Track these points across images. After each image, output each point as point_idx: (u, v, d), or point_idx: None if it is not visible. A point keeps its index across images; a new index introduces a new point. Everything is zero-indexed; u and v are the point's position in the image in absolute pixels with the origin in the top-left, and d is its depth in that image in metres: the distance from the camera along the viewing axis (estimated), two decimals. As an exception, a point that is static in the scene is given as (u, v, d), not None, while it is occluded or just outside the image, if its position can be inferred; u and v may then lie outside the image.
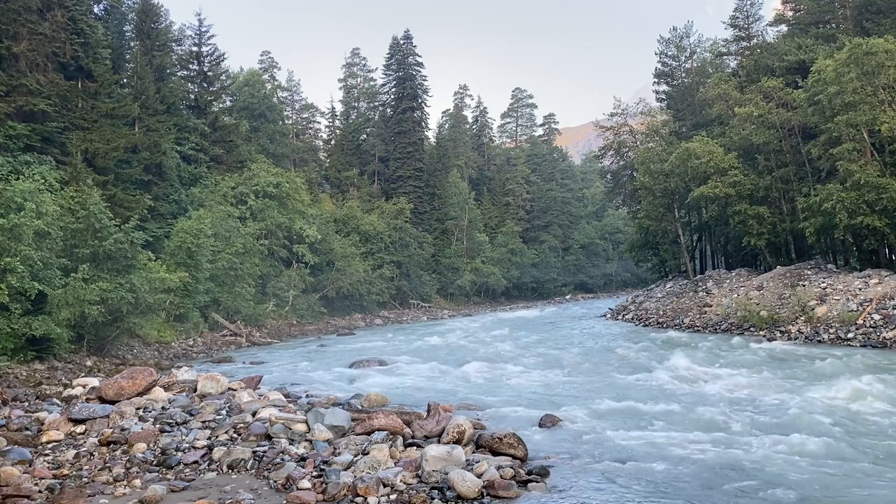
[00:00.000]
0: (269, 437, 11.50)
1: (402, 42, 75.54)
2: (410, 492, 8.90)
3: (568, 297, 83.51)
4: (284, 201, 46.96)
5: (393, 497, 8.82)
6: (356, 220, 59.27)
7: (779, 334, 27.21)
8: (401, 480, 9.21)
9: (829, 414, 13.34)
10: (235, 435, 11.68)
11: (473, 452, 10.66)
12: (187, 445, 11.08)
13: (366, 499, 8.74)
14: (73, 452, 10.82)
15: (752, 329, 29.23)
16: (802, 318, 27.49)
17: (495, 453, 10.61)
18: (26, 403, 15.15)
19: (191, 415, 13.01)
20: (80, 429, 12.15)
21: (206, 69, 50.85)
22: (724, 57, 52.84)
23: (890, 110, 28.51)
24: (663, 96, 58.65)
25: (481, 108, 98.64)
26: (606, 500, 8.99)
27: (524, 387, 17.88)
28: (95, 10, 42.48)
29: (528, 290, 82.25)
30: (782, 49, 40.35)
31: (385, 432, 11.34)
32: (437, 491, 8.94)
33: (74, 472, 9.97)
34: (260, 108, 62.39)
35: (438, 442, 11.06)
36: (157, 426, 11.98)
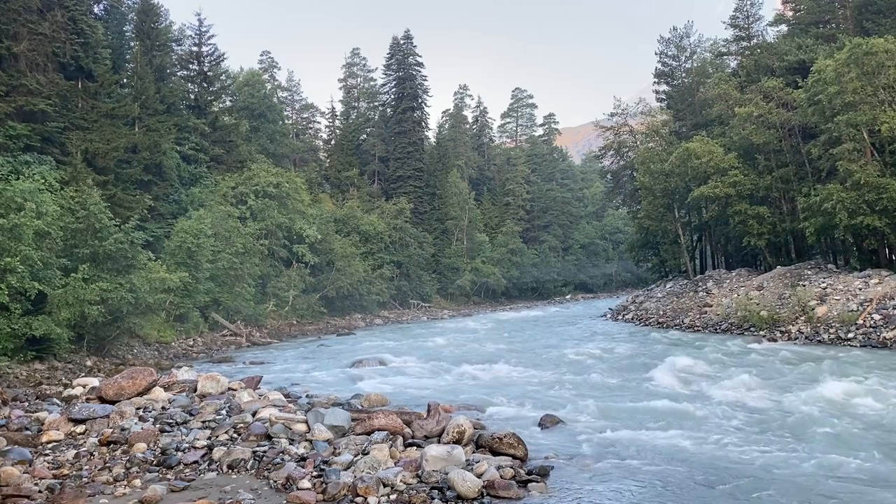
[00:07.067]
0: (269, 437, 11.49)
1: (402, 42, 75.58)
2: (410, 492, 8.90)
3: (568, 297, 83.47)
4: (284, 201, 46.93)
5: (393, 497, 8.81)
6: (356, 220, 59.26)
7: (779, 334, 27.20)
8: (401, 480, 9.21)
9: (829, 414, 13.35)
10: (235, 435, 11.68)
11: (473, 452, 10.65)
12: (187, 445, 11.07)
13: (366, 499, 8.73)
14: (73, 452, 10.81)
15: (752, 329, 29.23)
16: (802, 318, 27.48)
17: (495, 453, 10.60)
18: (26, 403, 15.14)
19: (191, 415, 12.99)
20: (80, 429, 12.13)
21: (206, 69, 50.88)
22: (725, 57, 52.92)
23: (890, 110, 28.50)
24: (663, 96, 58.72)
25: (481, 108, 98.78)
26: (606, 499, 8.99)
27: (524, 387, 17.87)
28: (95, 10, 42.43)
29: (529, 291, 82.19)
30: (782, 49, 40.37)
31: (385, 432, 11.32)
32: (437, 491, 8.93)
33: (74, 472, 9.95)
34: (260, 108, 62.42)
35: (438, 442, 11.05)
36: (157, 426, 11.97)
